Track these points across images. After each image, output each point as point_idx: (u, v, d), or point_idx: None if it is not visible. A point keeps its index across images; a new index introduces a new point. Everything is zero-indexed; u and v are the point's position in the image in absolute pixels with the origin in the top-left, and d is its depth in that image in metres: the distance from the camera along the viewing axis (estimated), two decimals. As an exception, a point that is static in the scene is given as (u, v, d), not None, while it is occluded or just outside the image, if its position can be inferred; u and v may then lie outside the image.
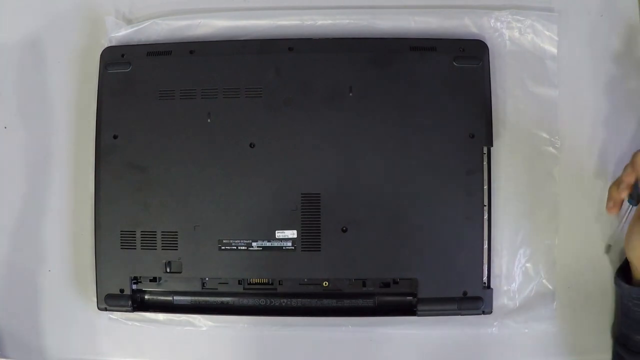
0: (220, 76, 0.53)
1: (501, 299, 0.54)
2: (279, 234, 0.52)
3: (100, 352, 0.57)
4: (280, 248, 0.52)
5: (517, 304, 0.54)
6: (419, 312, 0.51)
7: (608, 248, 0.54)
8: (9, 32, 0.59)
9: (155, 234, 0.52)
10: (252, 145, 0.53)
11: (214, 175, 0.53)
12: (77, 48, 0.58)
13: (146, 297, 0.54)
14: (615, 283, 0.52)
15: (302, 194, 0.52)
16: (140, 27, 0.56)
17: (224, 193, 0.53)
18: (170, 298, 0.54)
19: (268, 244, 0.52)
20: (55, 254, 0.57)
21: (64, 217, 0.57)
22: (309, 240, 0.52)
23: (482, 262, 0.52)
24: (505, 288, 0.54)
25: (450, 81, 0.52)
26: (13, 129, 0.58)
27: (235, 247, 0.52)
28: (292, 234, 0.52)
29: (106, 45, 0.56)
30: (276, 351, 0.56)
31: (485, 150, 0.52)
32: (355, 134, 0.53)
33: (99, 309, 0.53)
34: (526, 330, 0.54)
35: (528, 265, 0.54)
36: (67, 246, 0.57)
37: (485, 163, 0.52)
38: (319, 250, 0.52)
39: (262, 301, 0.53)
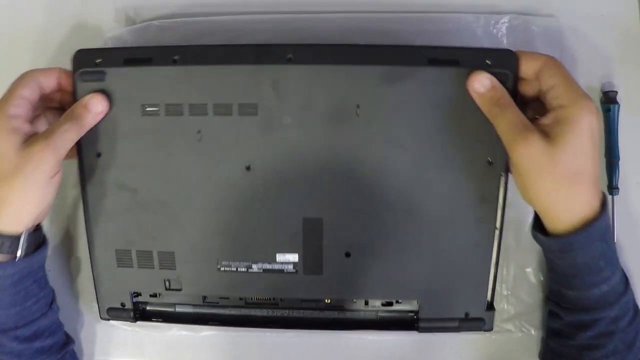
0: (210, 89, 0.48)
1: (501, 303, 0.54)
2: (280, 257, 0.50)
3: (99, 355, 0.57)
4: (281, 271, 0.50)
5: (518, 309, 0.54)
6: (420, 329, 0.51)
7: None
8: (6, 33, 0.58)
9: (151, 254, 0.51)
10: (248, 168, 0.49)
11: (208, 198, 0.49)
12: (74, 49, 0.57)
13: (148, 307, 0.54)
14: (534, 237, 0.47)
15: (303, 218, 0.49)
16: (137, 27, 0.55)
17: (220, 216, 0.50)
18: (172, 309, 0.54)
19: (269, 266, 0.50)
20: (55, 253, 0.57)
21: (63, 216, 0.57)
22: (311, 264, 0.50)
23: (488, 286, 0.50)
24: (505, 293, 0.54)
25: (470, 100, 0.46)
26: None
27: (235, 269, 0.50)
28: (293, 257, 0.50)
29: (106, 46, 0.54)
30: (276, 355, 0.57)
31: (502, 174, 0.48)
32: (361, 157, 0.48)
33: (102, 319, 0.53)
34: (527, 335, 0.54)
35: (528, 270, 0.54)
36: (66, 246, 0.57)
37: (501, 189, 0.48)
38: (321, 274, 0.50)
39: (264, 312, 0.53)
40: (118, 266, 0.51)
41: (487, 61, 0.46)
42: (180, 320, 0.54)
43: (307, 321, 0.53)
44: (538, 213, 0.45)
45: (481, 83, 0.45)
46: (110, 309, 0.53)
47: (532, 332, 0.54)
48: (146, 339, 0.57)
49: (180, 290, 0.51)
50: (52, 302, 0.51)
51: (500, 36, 0.54)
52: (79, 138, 0.47)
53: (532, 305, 0.54)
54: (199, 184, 0.49)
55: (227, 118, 0.48)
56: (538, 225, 0.46)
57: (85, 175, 0.50)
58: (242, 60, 0.47)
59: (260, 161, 0.48)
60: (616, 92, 0.54)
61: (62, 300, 0.56)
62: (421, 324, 0.51)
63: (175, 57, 0.47)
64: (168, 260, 0.51)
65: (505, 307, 0.54)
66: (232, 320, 0.53)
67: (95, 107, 0.47)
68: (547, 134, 0.42)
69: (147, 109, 0.48)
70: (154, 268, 0.51)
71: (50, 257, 0.57)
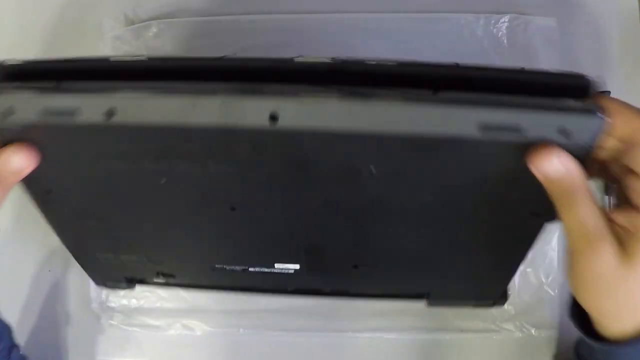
0: (167, 146, 0.33)
1: (502, 303, 0.54)
2: (279, 265, 0.46)
3: (99, 355, 0.57)
4: (280, 273, 0.47)
5: (519, 309, 0.54)
6: (429, 303, 0.50)
7: None
8: (4, 33, 0.58)
9: (137, 257, 0.47)
10: (233, 209, 0.39)
11: (189, 231, 0.42)
12: (74, 49, 0.57)
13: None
14: (573, 324, 0.39)
15: (304, 247, 0.43)
16: (137, 27, 0.55)
17: (207, 243, 0.44)
18: (170, 279, 0.51)
19: (267, 270, 0.46)
20: (53, 252, 0.57)
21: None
22: (314, 270, 0.46)
23: (502, 287, 0.48)
24: (505, 293, 0.54)
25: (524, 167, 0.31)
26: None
27: (230, 270, 0.47)
28: (294, 266, 0.45)
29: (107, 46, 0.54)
30: (276, 356, 0.56)
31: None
32: (375, 208, 0.38)
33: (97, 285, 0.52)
34: (527, 335, 0.54)
35: (529, 270, 0.54)
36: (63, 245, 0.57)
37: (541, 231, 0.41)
38: (326, 272, 0.47)
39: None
40: (105, 262, 0.47)
41: (563, 128, 0.29)
42: (181, 285, 0.52)
43: (312, 290, 0.50)
44: (586, 311, 0.36)
45: (552, 166, 0.30)
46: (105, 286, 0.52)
47: (532, 332, 0.54)
48: (146, 339, 0.56)
49: (174, 277, 0.49)
50: (10, 349, 0.44)
51: (501, 36, 0.54)
52: (4, 198, 0.35)
53: (532, 305, 0.54)
54: (177, 219, 0.41)
55: (197, 169, 0.35)
56: (577, 310, 0.37)
57: (40, 207, 0.40)
58: (206, 118, 0.30)
59: (246, 203, 0.39)
60: (609, 91, 0.54)
61: (61, 300, 0.57)
62: (430, 300, 0.49)
63: (110, 108, 0.30)
64: (157, 261, 0.47)
65: (506, 307, 0.54)
66: (233, 287, 0.51)
67: (17, 165, 0.34)
68: (620, 240, 0.32)
69: (90, 158, 0.35)
70: (144, 264, 0.47)
71: (49, 256, 0.57)
